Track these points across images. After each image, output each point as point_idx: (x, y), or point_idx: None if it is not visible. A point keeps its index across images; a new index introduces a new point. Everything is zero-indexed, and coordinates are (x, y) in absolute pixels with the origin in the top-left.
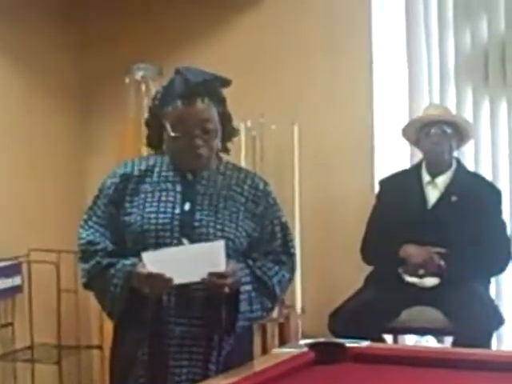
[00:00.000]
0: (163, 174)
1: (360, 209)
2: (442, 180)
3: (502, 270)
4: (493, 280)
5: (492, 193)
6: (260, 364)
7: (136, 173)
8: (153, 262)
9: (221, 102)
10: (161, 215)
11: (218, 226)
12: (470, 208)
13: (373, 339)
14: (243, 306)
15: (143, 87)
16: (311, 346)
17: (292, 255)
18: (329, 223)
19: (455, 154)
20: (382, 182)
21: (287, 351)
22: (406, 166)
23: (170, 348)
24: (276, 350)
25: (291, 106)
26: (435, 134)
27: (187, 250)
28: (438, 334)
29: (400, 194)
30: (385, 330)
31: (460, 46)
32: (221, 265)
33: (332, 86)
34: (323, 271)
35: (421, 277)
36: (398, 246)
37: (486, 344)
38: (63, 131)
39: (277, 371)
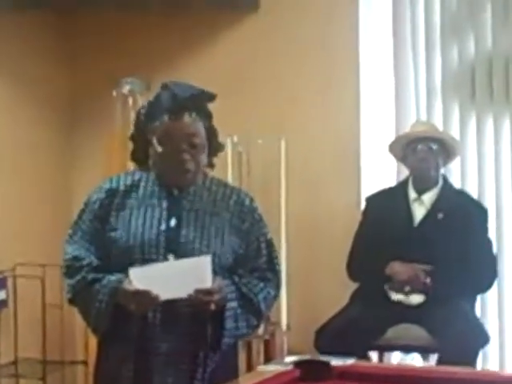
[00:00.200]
0: (149, 189)
1: (346, 225)
2: (429, 197)
3: (487, 287)
4: (478, 298)
5: (478, 210)
6: (245, 381)
7: (122, 188)
8: (139, 278)
9: (207, 116)
10: (147, 231)
11: (204, 242)
12: (456, 225)
13: (358, 356)
14: (229, 323)
15: (130, 101)
16: (296, 364)
17: (277, 272)
18: (315, 239)
19: (442, 170)
20: (369, 199)
21: (272, 368)
22: (393, 182)
23: (155, 364)
24: (261, 367)
25: (278, 121)
26: (422, 151)
27: (174, 265)
28: (424, 351)
29: (386, 210)
30: (370, 347)
31: (447, 63)
32: (207, 281)
33: (319, 101)
34: (309, 288)
35: (407, 294)
36: (384, 263)
37: (472, 362)
38: (49, 144)
39: None
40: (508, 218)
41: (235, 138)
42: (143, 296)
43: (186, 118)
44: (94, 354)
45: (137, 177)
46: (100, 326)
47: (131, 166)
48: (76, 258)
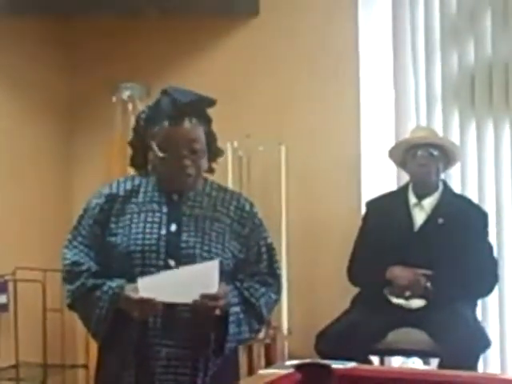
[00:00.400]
0: (149, 194)
1: (346, 230)
2: (429, 202)
3: (488, 292)
4: (479, 302)
5: (478, 215)
6: None
7: (121, 193)
8: (147, 287)
9: (207, 122)
10: (147, 236)
11: (205, 248)
12: (456, 230)
13: (359, 360)
14: (232, 328)
15: (130, 107)
16: (297, 367)
17: (278, 276)
18: (315, 244)
19: (442, 176)
20: (369, 204)
21: (273, 372)
22: (393, 187)
23: (156, 369)
24: (262, 371)
25: (278, 127)
26: (422, 157)
27: (182, 272)
28: (425, 355)
29: (386, 215)
30: (371, 351)
31: (447, 69)
32: (214, 286)
33: (319, 107)
34: (310, 292)
35: (407, 298)
36: (385, 268)
37: (473, 366)
38: (49, 149)
39: None
40: (508, 223)
41: (235, 144)
42: (147, 303)
43: (187, 124)
44: (95, 357)
45: (136, 182)
46: (100, 332)
47: (131, 171)
48: (75, 264)
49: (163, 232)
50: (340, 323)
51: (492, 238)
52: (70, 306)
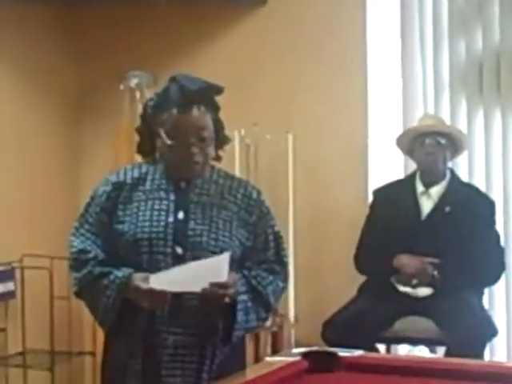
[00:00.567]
0: (156, 182)
1: (354, 218)
2: (436, 190)
3: (495, 280)
4: (486, 291)
5: (486, 203)
6: (253, 372)
7: (129, 181)
8: (158, 281)
9: (215, 109)
10: (154, 224)
11: (212, 235)
12: (463, 218)
13: (366, 348)
14: (240, 316)
15: (138, 95)
16: (304, 355)
17: (285, 264)
18: (322, 232)
19: (449, 164)
20: (376, 192)
21: (280, 360)
22: (400, 176)
23: (162, 357)
24: (269, 359)
25: (286, 115)
26: (429, 145)
27: (193, 266)
28: (431, 344)
29: (394, 204)
30: (378, 339)
31: (454, 57)
32: (223, 276)
33: (327, 95)
34: (317, 280)
35: (414, 287)
36: (392, 256)
37: (479, 355)
38: (57, 137)
39: (269, 380)
40: None
41: (243, 132)
42: (157, 294)
43: (195, 112)
44: (102, 345)
45: (144, 170)
46: (107, 320)
47: (138, 159)
48: (82, 251)
49: (171, 219)
50: (347, 311)
51: (499, 227)
52: (77, 294)
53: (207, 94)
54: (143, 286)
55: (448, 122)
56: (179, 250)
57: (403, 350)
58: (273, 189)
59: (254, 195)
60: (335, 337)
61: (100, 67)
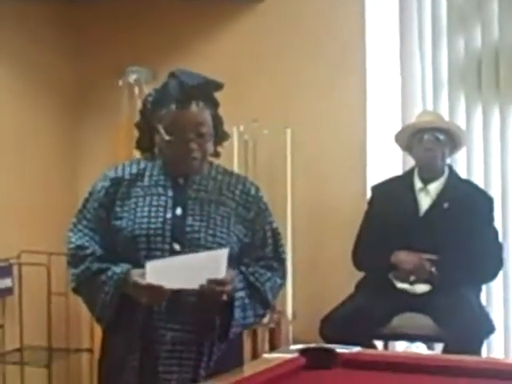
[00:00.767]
0: (154, 178)
1: (352, 214)
2: (435, 187)
3: (493, 277)
4: (484, 287)
5: (484, 200)
6: (250, 369)
7: (127, 176)
8: (155, 271)
9: (214, 105)
10: (152, 220)
11: (210, 232)
12: (461, 215)
13: (363, 345)
14: (237, 313)
15: (136, 90)
16: (302, 352)
17: (283, 261)
18: (320, 228)
19: (448, 160)
20: (374, 188)
21: (278, 356)
22: (399, 172)
23: (160, 354)
24: (266, 355)
25: (284, 111)
26: (428, 141)
27: (191, 259)
28: (429, 340)
29: (392, 200)
30: (375, 336)
31: (453, 54)
32: (221, 272)
33: (325, 91)
34: (314, 276)
35: (412, 283)
36: (390, 252)
37: (477, 351)
38: (56, 133)
39: (267, 376)
40: None
41: (241, 128)
42: (156, 290)
43: (194, 107)
44: (100, 341)
45: (142, 165)
46: (105, 316)
47: (137, 155)
48: (80, 247)
49: (168, 216)
50: (344, 308)
51: (497, 223)
52: (75, 290)
53: (206, 90)
54: (141, 281)
55: (446, 118)
56: (177, 247)
57: (401, 347)
58: (271, 185)
59: (253, 191)
60: (333, 333)
61: (99, 63)
